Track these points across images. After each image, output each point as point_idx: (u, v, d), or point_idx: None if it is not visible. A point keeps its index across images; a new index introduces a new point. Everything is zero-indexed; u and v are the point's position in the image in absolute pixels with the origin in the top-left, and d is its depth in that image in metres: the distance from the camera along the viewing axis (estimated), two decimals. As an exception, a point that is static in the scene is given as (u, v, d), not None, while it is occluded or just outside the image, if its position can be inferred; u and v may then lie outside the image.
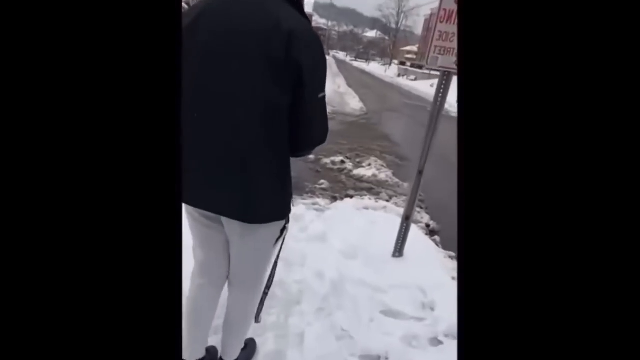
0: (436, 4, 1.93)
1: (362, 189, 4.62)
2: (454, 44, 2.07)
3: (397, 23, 60.30)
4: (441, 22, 2.02)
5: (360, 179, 4.98)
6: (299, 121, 1.05)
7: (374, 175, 5.14)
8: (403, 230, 2.58)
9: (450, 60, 2.10)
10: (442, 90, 2.21)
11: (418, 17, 61.82)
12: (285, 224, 1.26)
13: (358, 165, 5.52)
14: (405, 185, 4.95)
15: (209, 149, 1.03)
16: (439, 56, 2.10)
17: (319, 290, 2.21)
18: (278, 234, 1.26)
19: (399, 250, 2.64)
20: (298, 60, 0.95)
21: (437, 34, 2.05)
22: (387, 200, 4.38)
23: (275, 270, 1.38)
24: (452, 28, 2.03)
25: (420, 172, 2.38)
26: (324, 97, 1.07)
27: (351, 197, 4.23)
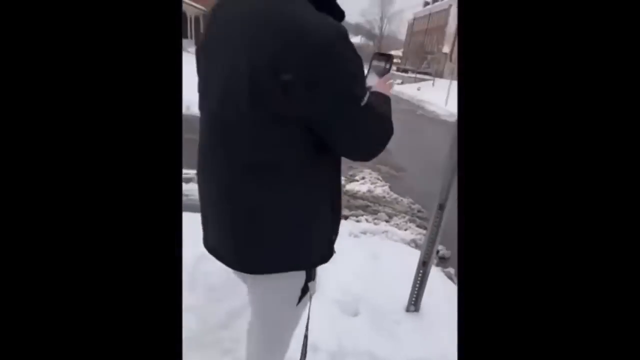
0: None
1: (357, 207, 3.96)
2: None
3: (381, 28, 59.85)
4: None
5: (354, 195, 4.31)
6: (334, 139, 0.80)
7: (370, 191, 4.48)
8: (419, 279, 1.89)
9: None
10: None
11: (402, 21, 61.67)
12: (308, 279, 0.93)
13: (351, 179, 4.85)
14: (405, 201, 4.29)
15: (204, 180, 0.89)
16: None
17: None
18: (297, 292, 0.93)
19: (414, 303, 1.95)
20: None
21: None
22: (387, 221, 3.74)
23: (305, 348, 1.07)
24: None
25: (442, 207, 1.68)
26: (365, 105, 0.76)
27: (345, 217, 3.58)
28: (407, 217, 3.95)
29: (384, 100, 0.89)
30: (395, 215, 3.90)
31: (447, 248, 3.21)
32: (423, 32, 52.01)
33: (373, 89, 0.89)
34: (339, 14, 0.82)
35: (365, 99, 0.76)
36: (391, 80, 0.97)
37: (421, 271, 1.87)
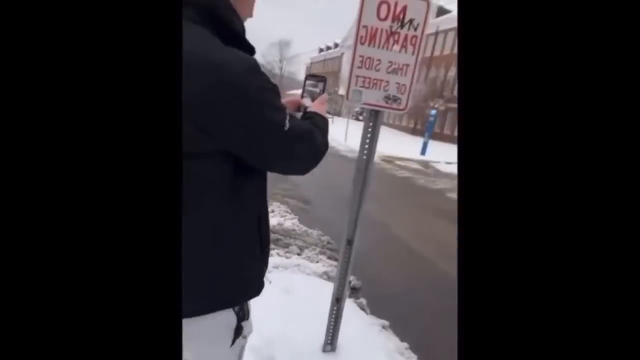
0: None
1: (268, 243, 3.80)
2: (383, 74, 1.43)
3: (280, 69, 61.97)
4: (362, 43, 1.38)
5: (264, 231, 4.15)
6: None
7: (280, 224, 4.39)
8: (333, 317, 1.83)
9: (378, 95, 1.46)
10: (369, 135, 1.56)
11: (299, 65, 64.76)
12: (240, 319, 0.88)
13: (260, 214, 4.70)
14: (314, 232, 4.28)
15: None
16: (363, 89, 1.45)
17: None
18: (229, 333, 0.88)
19: (330, 343, 1.87)
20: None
21: (357, 60, 1.41)
22: (299, 254, 3.67)
23: None
24: (379, 52, 1.40)
25: (350, 242, 1.67)
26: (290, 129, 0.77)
27: (257, 255, 3.37)
28: (318, 249, 3.93)
29: (321, 118, 0.92)
30: (307, 248, 3.85)
31: (358, 278, 3.23)
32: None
33: (309, 109, 0.94)
34: (249, 49, 0.79)
35: (287, 122, 0.76)
36: (326, 98, 1.01)
37: (335, 308, 1.82)
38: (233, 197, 0.79)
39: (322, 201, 5.67)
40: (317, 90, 1.00)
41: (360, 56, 1.41)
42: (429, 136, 16.29)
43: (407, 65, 1.42)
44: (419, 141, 17.98)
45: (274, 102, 0.75)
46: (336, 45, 52.46)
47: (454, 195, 8.05)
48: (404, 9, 1.34)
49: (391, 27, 1.37)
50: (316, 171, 0.97)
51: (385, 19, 1.36)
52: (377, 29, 1.37)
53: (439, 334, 2.53)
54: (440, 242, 4.64)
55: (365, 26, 1.36)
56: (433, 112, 16.38)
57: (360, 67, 1.42)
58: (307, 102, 0.99)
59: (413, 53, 1.40)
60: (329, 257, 3.80)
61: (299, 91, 1.04)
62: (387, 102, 1.47)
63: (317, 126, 0.88)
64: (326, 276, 3.36)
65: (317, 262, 3.65)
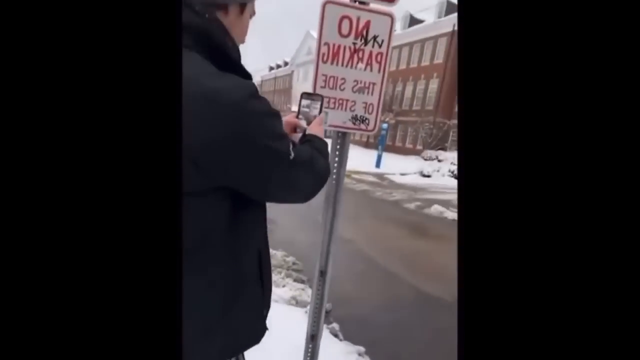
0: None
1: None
2: (348, 94, 1.30)
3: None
4: (324, 61, 1.25)
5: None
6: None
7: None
8: (309, 355, 1.64)
9: (345, 116, 1.33)
10: (337, 159, 1.41)
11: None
12: None
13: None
14: (279, 254, 4.08)
15: None
16: (328, 110, 1.31)
17: None
18: None
19: (307, 384, 1.67)
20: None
21: (320, 79, 1.27)
22: (264, 282, 3.41)
23: None
24: (343, 71, 1.27)
25: (323, 274, 1.50)
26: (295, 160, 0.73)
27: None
28: (284, 272, 3.73)
29: (320, 141, 0.85)
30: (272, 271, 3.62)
31: (327, 300, 3.06)
32: (272, 92, 55.83)
33: (308, 132, 0.87)
34: (245, 76, 0.72)
35: (292, 151, 0.70)
36: (323, 119, 0.95)
37: (310, 346, 1.63)
38: (231, 238, 0.73)
39: (285, 221, 5.47)
40: (314, 110, 0.93)
41: (324, 75, 1.27)
42: (382, 149, 16.65)
43: (374, 84, 1.30)
44: (372, 154, 18.32)
45: (278, 130, 0.70)
46: (286, 64, 52.90)
47: (410, 205, 8.16)
48: (367, 24, 1.22)
49: (354, 44, 1.24)
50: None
51: (348, 35, 1.23)
52: (339, 46, 1.24)
53: (418, 356, 2.41)
54: (405, 255, 4.60)
55: (326, 43, 1.23)
56: (384, 125, 16.78)
57: (324, 87, 1.28)
58: (303, 123, 0.91)
59: (379, 71, 1.28)
60: (296, 280, 3.62)
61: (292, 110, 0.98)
62: (354, 123, 1.34)
63: (319, 151, 0.82)
64: (294, 301, 3.17)
65: (284, 286, 3.45)
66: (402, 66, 29.93)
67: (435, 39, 26.67)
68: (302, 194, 0.79)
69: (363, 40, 1.24)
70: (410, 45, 29.19)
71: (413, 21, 29.99)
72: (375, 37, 1.24)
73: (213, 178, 0.65)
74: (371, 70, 1.28)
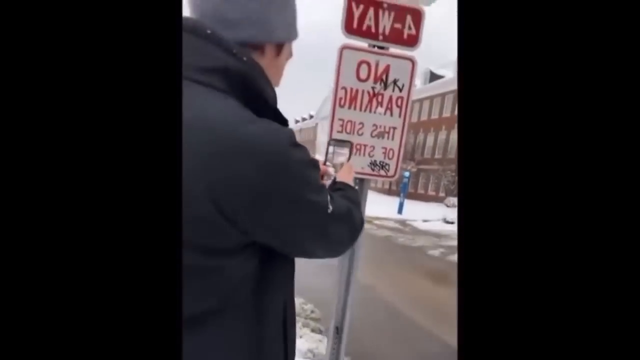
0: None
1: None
2: (367, 139, 1.21)
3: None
4: (341, 106, 1.18)
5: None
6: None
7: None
8: None
9: (363, 162, 1.24)
10: (355, 205, 1.31)
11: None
12: None
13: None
14: (296, 302, 3.86)
15: None
16: (345, 156, 1.22)
17: None
18: None
19: None
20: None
21: (337, 124, 1.20)
22: (281, 331, 3.20)
23: None
24: (361, 115, 1.19)
25: (339, 330, 1.34)
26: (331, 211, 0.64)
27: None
28: (301, 322, 3.50)
29: (352, 190, 0.78)
30: (290, 324, 3.42)
31: (345, 354, 2.80)
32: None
33: (337, 179, 0.81)
34: (282, 122, 0.65)
35: (330, 205, 0.63)
36: (352, 166, 0.89)
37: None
38: (257, 296, 0.65)
39: (302, 265, 5.28)
40: (342, 156, 0.88)
41: (340, 119, 1.20)
42: (404, 196, 16.42)
43: (394, 129, 1.22)
44: (394, 201, 18.06)
45: (317, 181, 0.64)
46: (311, 117, 54.72)
47: (435, 252, 7.79)
48: (387, 68, 1.16)
49: (373, 88, 1.18)
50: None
51: (367, 79, 1.17)
52: (357, 90, 1.18)
53: None
54: (429, 305, 4.28)
55: (344, 87, 1.17)
56: (406, 173, 16.70)
57: (340, 132, 1.21)
58: (331, 170, 0.85)
59: (400, 115, 1.21)
60: (313, 330, 3.38)
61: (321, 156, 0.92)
62: (373, 169, 1.24)
63: (352, 201, 0.74)
64: (311, 354, 2.93)
65: (301, 337, 3.22)
66: (424, 117, 30.27)
67: (455, 92, 27.06)
68: (338, 249, 0.73)
69: (383, 85, 1.18)
70: (431, 99, 29.72)
71: (433, 77, 30.72)
72: (395, 81, 1.18)
73: (249, 233, 0.58)
74: (391, 114, 1.21)
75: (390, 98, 1.19)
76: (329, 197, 0.65)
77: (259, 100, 0.63)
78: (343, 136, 1.22)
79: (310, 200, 0.60)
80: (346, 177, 0.83)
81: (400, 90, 1.19)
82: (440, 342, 3.35)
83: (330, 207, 0.63)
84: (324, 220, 0.63)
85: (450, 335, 3.46)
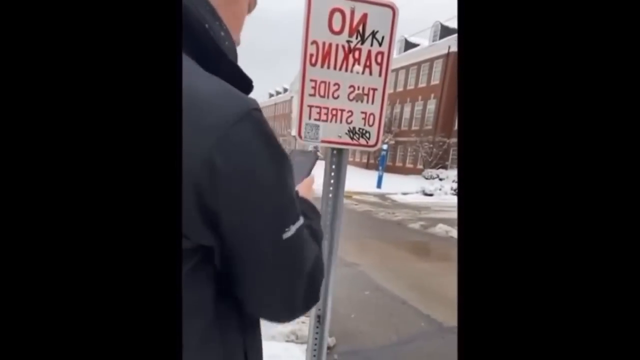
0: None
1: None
2: (343, 102, 1.06)
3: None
4: (312, 64, 1.02)
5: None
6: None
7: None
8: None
9: (340, 129, 1.09)
10: (333, 181, 1.16)
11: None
12: None
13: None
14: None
15: None
16: (319, 123, 1.07)
17: None
18: None
19: None
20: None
21: (309, 85, 1.03)
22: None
23: None
24: (336, 75, 1.03)
25: (321, 319, 1.23)
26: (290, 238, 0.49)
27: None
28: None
29: (312, 211, 0.63)
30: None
31: (330, 334, 2.75)
32: (272, 118, 56.93)
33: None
34: (245, 81, 0.55)
35: (293, 228, 0.49)
36: (313, 181, 0.75)
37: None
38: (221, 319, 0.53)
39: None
40: (303, 170, 0.77)
41: (312, 80, 1.04)
42: (383, 169, 16.49)
43: (374, 90, 1.07)
44: (373, 175, 18.13)
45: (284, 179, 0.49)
46: (285, 90, 53.71)
47: (415, 225, 7.85)
48: (364, 18, 1.00)
49: (349, 42, 1.02)
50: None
51: (341, 31, 1.01)
52: (330, 44, 1.01)
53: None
54: (412, 280, 4.28)
55: (314, 42, 1.00)
56: (384, 146, 16.69)
57: (313, 95, 1.05)
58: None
59: (380, 74, 1.05)
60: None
61: None
62: (352, 138, 1.10)
63: (316, 238, 0.59)
64: (294, 336, 2.87)
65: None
66: (399, 89, 30.15)
67: (431, 61, 26.95)
68: (287, 299, 0.54)
69: (359, 38, 1.01)
70: (407, 68, 29.50)
71: (408, 45, 30.41)
72: (374, 34, 1.02)
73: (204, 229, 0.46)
74: (370, 73, 1.05)
75: (369, 53, 1.03)
76: (299, 214, 0.52)
77: (214, 52, 0.50)
78: (316, 100, 1.06)
79: (264, 199, 0.47)
80: (306, 192, 0.70)
81: (380, 44, 1.03)
82: (425, 318, 3.36)
83: (292, 231, 0.49)
84: (274, 241, 0.49)
85: (434, 311, 3.47)
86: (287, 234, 0.48)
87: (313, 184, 0.76)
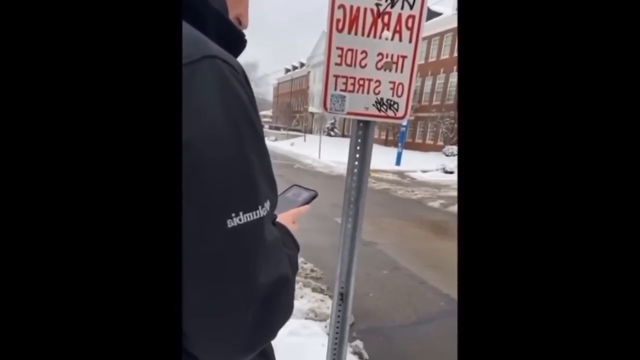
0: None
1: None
2: (371, 71, 1.01)
3: (249, 91, 62.71)
4: (339, 30, 0.97)
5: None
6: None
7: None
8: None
9: (367, 100, 1.04)
10: (359, 155, 1.13)
11: (267, 85, 66.06)
12: None
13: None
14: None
15: None
16: (345, 94, 1.03)
17: None
18: None
19: None
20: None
21: (335, 53, 0.99)
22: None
23: None
24: (364, 42, 0.99)
25: (344, 296, 1.23)
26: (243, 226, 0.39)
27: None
28: (301, 282, 3.48)
29: (289, 240, 0.55)
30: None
31: (365, 343, 2.73)
32: (288, 94, 56.16)
33: (278, 218, 0.60)
34: (237, 37, 0.52)
35: (245, 218, 0.40)
36: (301, 212, 0.71)
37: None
38: None
39: (302, 223, 5.23)
40: (296, 202, 0.77)
41: (339, 48, 0.99)
42: (402, 146, 16.27)
43: (404, 57, 1.01)
44: (392, 152, 17.92)
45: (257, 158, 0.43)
46: (302, 65, 52.85)
47: (435, 203, 7.77)
48: (394, -22, 0.94)
49: (378, 5, 0.96)
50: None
51: (369, -7, 0.95)
52: (358, 8, 0.96)
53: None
54: (433, 261, 4.27)
55: (341, 5, 0.95)
56: (404, 122, 16.41)
57: (339, 64, 1.00)
58: (279, 209, 0.69)
59: (411, 40, 1.00)
60: (314, 289, 3.37)
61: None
62: (379, 109, 1.05)
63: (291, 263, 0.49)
64: (313, 314, 2.92)
65: (302, 297, 3.20)
66: (421, 61, 29.33)
67: (454, 31, 25.97)
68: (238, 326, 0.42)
69: (389, 0, 0.95)
70: (429, 39, 28.54)
71: (430, 14, 29.31)
72: (405, -5, 0.95)
73: None
74: (400, 39, 0.99)
75: (399, 17, 0.97)
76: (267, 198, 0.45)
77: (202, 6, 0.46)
78: (342, 70, 1.01)
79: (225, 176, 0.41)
80: (287, 218, 0.63)
81: (411, 6, 0.97)
82: (445, 297, 3.36)
83: (260, 213, 0.42)
84: (220, 228, 0.40)
85: (454, 289, 3.46)
86: (233, 222, 0.38)
87: (297, 216, 0.69)
